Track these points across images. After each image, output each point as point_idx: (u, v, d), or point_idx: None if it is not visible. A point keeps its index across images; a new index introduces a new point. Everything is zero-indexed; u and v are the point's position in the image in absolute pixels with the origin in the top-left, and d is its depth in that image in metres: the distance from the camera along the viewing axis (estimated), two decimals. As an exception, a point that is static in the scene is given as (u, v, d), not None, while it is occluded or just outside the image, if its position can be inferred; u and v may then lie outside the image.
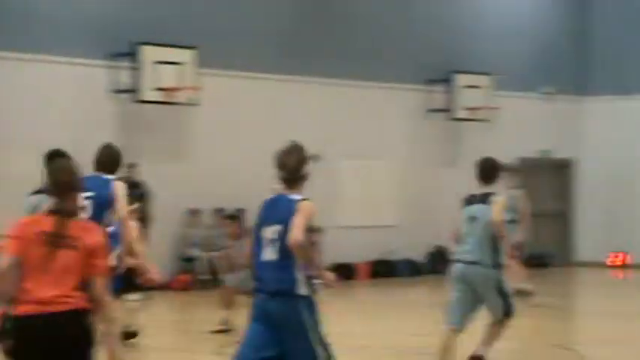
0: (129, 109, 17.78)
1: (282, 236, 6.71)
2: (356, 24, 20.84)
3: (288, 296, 6.69)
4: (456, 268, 9.72)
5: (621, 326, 14.20)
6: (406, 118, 21.52)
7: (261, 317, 6.76)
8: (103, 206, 9.12)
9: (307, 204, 6.77)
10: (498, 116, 22.08)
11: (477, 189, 9.80)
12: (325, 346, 6.80)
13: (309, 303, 6.75)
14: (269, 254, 6.76)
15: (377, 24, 21.08)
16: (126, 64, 17.63)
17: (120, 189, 9.23)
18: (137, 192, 15.40)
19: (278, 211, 6.80)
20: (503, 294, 9.72)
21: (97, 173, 9.30)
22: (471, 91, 21.86)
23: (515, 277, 16.44)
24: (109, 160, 9.44)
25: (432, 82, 21.76)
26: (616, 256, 23.49)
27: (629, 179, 23.74)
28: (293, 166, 6.88)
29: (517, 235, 15.40)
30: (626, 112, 24.00)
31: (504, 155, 22.86)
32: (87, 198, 8.88)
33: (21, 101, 16.74)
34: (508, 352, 12.26)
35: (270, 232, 6.77)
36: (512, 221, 16.30)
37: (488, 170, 9.91)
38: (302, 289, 6.73)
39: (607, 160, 23.96)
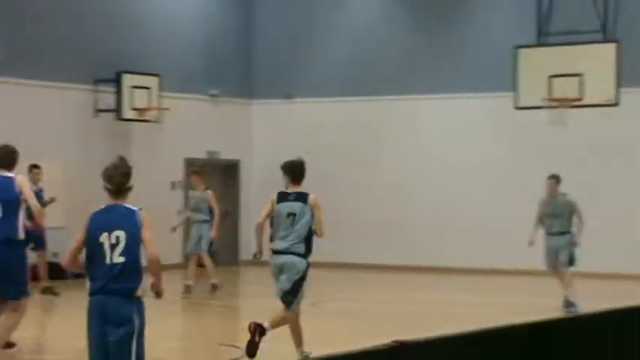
0: None
1: (128, 242, 7.33)
2: (23, 20, 20.33)
3: (128, 296, 7.27)
4: (274, 259, 10.64)
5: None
6: (74, 119, 21.24)
7: (97, 315, 7.30)
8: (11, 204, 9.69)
9: (147, 215, 7.51)
10: (167, 117, 22.25)
11: (287, 187, 10.72)
12: (142, 345, 7.38)
13: (140, 304, 7.36)
14: (113, 258, 7.32)
15: (43, 21, 20.66)
16: None
17: (25, 184, 9.73)
18: None
19: (119, 219, 7.43)
20: (298, 287, 10.53)
21: None
22: (140, 91, 21.89)
23: (211, 272, 17.56)
24: (4, 157, 9.82)
25: (100, 81, 21.60)
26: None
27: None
28: (120, 180, 7.61)
29: (211, 233, 17.61)
30: (288, 116, 24.87)
31: (173, 157, 23.27)
32: None
33: None
34: (175, 351, 12.43)
35: (113, 237, 7.35)
36: (205, 221, 17.42)
37: (298, 170, 10.70)
38: (139, 291, 7.35)
39: (271, 162, 24.62)
